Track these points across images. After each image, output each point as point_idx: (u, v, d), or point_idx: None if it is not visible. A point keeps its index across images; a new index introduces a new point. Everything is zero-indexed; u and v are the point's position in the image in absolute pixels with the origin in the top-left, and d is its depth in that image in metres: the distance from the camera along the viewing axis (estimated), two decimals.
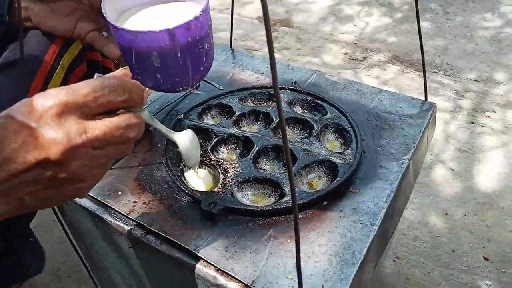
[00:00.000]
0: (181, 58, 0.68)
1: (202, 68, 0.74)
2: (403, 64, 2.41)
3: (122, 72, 0.45)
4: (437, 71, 2.33)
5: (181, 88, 0.75)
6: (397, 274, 1.27)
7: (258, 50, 2.63)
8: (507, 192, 1.53)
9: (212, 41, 0.75)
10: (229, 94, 0.92)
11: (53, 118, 0.38)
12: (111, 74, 0.45)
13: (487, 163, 1.67)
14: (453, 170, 1.64)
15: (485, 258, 1.30)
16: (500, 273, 1.26)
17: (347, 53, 2.56)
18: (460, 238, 1.37)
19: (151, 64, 0.68)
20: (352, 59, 2.49)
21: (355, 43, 2.67)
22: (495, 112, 1.98)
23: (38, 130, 0.37)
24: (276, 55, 2.59)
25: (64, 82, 0.86)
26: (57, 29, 0.81)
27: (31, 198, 0.40)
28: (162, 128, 0.59)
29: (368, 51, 2.57)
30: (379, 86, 2.24)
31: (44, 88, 0.83)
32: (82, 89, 0.40)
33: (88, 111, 0.40)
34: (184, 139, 0.62)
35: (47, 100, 0.39)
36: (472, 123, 1.91)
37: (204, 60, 0.73)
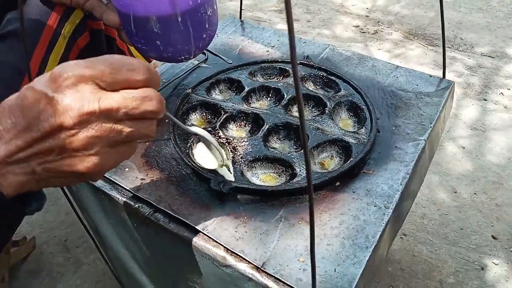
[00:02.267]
0: (182, 24, 0.65)
1: (205, 35, 0.71)
2: (416, 38, 2.34)
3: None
4: (450, 46, 2.26)
5: (183, 57, 0.72)
6: (404, 251, 1.27)
7: (267, 21, 2.56)
8: None
9: (215, 7, 0.72)
10: (238, 68, 0.88)
11: (69, 87, 0.38)
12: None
13: (498, 142, 1.64)
14: (464, 148, 1.61)
15: (493, 237, 1.29)
16: (508, 252, 1.25)
17: (358, 26, 2.48)
18: (468, 216, 1.36)
19: (151, 30, 0.66)
20: (364, 32, 2.42)
21: (367, 16, 2.59)
22: (509, 89, 1.93)
23: (55, 98, 0.38)
24: (284, 26, 2.52)
25: (67, 52, 0.84)
26: None
27: (42, 171, 0.40)
28: (181, 125, 0.56)
29: (379, 24, 2.50)
30: (391, 60, 2.19)
31: (46, 58, 0.80)
32: (100, 64, 0.39)
33: (106, 85, 0.39)
34: (208, 134, 0.60)
35: (66, 71, 0.39)
36: (485, 100, 1.87)
37: (206, 26, 0.70)
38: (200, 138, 0.60)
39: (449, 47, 2.24)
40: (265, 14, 2.63)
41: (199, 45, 0.71)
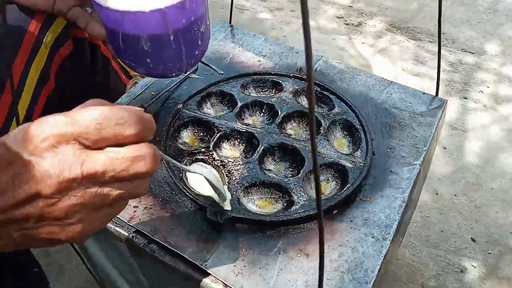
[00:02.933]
0: (174, 42, 0.63)
1: (197, 52, 0.69)
2: (399, 31, 2.34)
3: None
4: (432, 40, 2.27)
5: (174, 74, 0.70)
6: None
7: (250, 10, 2.51)
8: (496, 173, 1.55)
9: (208, 22, 0.69)
10: (230, 80, 0.86)
11: (48, 149, 0.34)
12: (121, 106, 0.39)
13: (478, 142, 1.68)
14: (445, 148, 1.64)
15: (472, 239, 1.34)
16: (486, 255, 1.30)
17: (342, 17, 2.46)
18: (449, 218, 1.39)
19: (141, 48, 0.62)
20: (347, 24, 2.41)
21: (350, 6, 2.57)
22: (488, 87, 1.96)
23: (32, 162, 0.34)
24: (268, 16, 2.48)
25: (48, 63, 0.79)
26: (36, 3, 0.74)
27: (19, 237, 0.36)
28: (174, 162, 0.50)
29: (363, 15, 2.48)
30: (374, 55, 2.20)
31: (26, 70, 0.76)
32: (83, 120, 0.35)
33: (90, 143, 0.35)
34: (208, 171, 0.56)
35: (44, 129, 0.34)
36: (465, 98, 1.90)
37: (199, 43, 0.67)
38: (205, 178, 0.55)
39: (431, 42, 2.25)
40: (248, 2, 2.58)
41: (191, 62, 0.69)
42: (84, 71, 0.87)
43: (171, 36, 0.62)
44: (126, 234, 0.62)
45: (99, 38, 0.75)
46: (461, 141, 1.68)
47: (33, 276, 0.84)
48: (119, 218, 0.63)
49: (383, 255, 0.59)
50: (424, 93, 0.84)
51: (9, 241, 0.36)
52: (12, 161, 0.34)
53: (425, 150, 0.73)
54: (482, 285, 1.22)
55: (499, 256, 1.30)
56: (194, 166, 0.59)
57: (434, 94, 0.83)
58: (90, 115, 0.35)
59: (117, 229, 0.62)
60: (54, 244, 0.38)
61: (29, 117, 0.76)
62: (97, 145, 0.35)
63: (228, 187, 0.66)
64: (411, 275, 1.24)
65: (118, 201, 0.37)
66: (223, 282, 0.56)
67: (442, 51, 2.17)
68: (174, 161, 0.49)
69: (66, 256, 1.27)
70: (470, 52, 2.21)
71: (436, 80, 0.84)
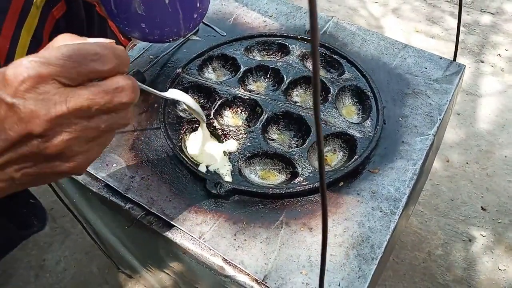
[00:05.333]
0: (170, 5, 0.58)
1: (195, 15, 0.64)
2: None
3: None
4: (449, 0, 2.16)
5: (171, 39, 0.66)
6: None
7: None
8: (511, 140, 1.49)
9: None
10: (233, 43, 0.81)
11: (28, 90, 0.34)
12: (94, 40, 0.38)
13: (493, 107, 1.62)
14: (458, 114, 1.58)
15: (482, 208, 1.31)
16: (496, 224, 1.27)
17: None
18: (459, 187, 1.36)
19: (134, 11, 0.58)
20: None
21: None
22: (507, 50, 1.87)
23: (15, 104, 0.34)
24: None
25: (41, 24, 0.74)
26: None
27: (21, 176, 0.37)
28: (152, 90, 0.50)
29: None
30: (386, 14, 2.09)
31: (17, 33, 0.71)
32: (58, 58, 0.34)
33: (69, 81, 0.35)
34: (183, 93, 0.56)
35: (20, 72, 0.34)
36: (482, 61, 1.82)
37: (198, 5, 0.62)
38: (180, 102, 0.57)
39: (448, 1, 2.14)
40: None
41: (189, 26, 0.64)
42: (80, 31, 0.82)
43: None
44: (123, 205, 0.59)
45: (90, 0, 0.70)
46: (475, 106, 1.62)
47: (30, 206, 0.88)
48: (115, 189, 0.60)
49: (391, 230, 0.56)
50: (441, 58, 0.78)
51: (12, 182, 0.37)
52: None
53: (440, 119, 0.68)
54: (489, 254, 1.21)
55: (508, 225, 1.27)
56: (171, 91, 0.56)
57: (451, 59, 0.78)
58: (63, 55, 0.35)
59: (113, 199, 0.60)
60: (55, 180, 0.41)
61: None
62: (76, 82, 0.35)
63: (229, 158, 0.63)
64: (418, 244, 1.22)
65: (108, 131, 0.38)
66: (222, 257, 0.54)
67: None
68: (151, 89, 0.48)
69: (71, 221, 1.27)
70: (489, 12, 2.09)
71: (454, 43, 0.78)
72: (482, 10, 2.10)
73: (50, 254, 1.20)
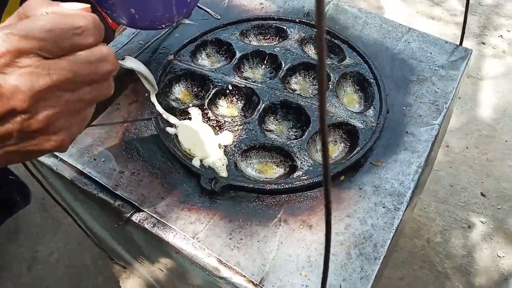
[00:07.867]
0: None
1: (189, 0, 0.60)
2: None
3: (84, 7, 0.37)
4: None
5: (163, 26, 0.62)
6: None
7: None
8: None
9: None
10: (228, 27, 0.76)
11: (9, 65, 0.32)
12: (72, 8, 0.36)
13: (495, 91, 1.58)
14: (459, 98, 1.55)
15: (482, 194, 1.29)
16: (496, 210, 1.26)
17: None
18: (459, 172, 1.34)
19: None
20: None
21: None
22: (509, 31, 1.83)
23: None
24: None
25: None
26: None
27: (3, 154, 0.36)
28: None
29: None
30: None
31: None
32: (37, 31, 0.32)
33: (51, 54, 0.33)
34: (137, 61, 0.55)
35: None
36: (483, 43, 1.77)
37: None
38: (136, 72, 0.56)
39: None
40: None
41: (182, 11, 0.60)
42: None
43: None
44: (112, 202, 0.56)
45: None
46: (476, 90, 1.59)
47: (10, 183, 0.86)
48: (104, 186, 0.57)
49: (394, 228, 0.53)
50: (446, 42, 0.74)
51: None
52: None
53: (446, 108, 0.65)
54: (489, 241, 1.19)
55: (508, 211, 1.25)
56: (126, 60, 0.54)
57: (454, 41, 0.74)
58: (43, 28, 0.33)
59: (102, 196, 0.57)
60: (37, 156, 0.40)
61: None
62: (56, 55, 0.34)
63: (225, 151, 0.60)
64: (417, 231, 1.20)
65: (91, 104, 0.38)
66: (217, 258, 0.51)
67: None
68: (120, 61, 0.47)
69: (62, 211, 1.23)
70: None
71: (456, 25, 0.74)
72: None
73: (43, 245, 1.18)
